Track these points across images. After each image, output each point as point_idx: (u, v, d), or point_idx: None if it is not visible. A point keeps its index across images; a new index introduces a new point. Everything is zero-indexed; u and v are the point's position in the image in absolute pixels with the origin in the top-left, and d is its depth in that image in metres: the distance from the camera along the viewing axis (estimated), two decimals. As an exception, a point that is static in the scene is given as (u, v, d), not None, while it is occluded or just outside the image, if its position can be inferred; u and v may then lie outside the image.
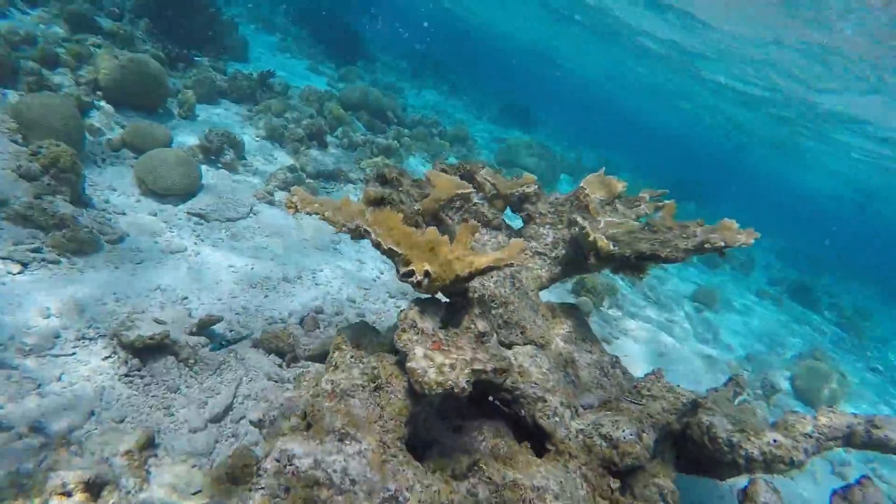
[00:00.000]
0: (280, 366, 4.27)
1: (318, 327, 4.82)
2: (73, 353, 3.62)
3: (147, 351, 3.79)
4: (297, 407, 2.57)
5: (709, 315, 10.53)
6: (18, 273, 4.10)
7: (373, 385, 2.68)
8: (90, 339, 3.77)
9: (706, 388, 5.60)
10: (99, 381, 3.48)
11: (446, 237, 3.14)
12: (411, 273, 2.69)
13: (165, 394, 3.64)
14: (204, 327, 4.13)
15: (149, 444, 2.94)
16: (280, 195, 7.10)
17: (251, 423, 2.60)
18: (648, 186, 5.14)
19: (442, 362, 2.56)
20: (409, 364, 2.53)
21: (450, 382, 2.42)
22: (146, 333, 3.73)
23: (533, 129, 23.79)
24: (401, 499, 2.25)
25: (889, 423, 3.56)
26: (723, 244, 3.86)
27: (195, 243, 5.43)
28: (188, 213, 5.91)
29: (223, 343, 4.07)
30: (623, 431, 3.12)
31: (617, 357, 4.28)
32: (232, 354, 4.15)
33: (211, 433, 3.50)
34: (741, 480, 3.79)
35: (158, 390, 3.64)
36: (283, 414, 2.56)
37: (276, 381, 4.08)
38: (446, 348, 2.71)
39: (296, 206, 3.27)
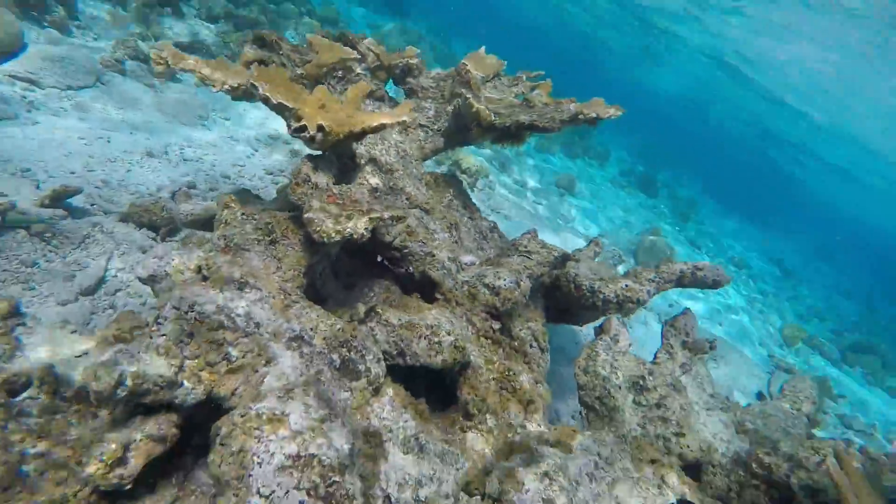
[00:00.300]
0: (154, 239, 4.03)
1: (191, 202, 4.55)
2: None
3: (-9, 224, 3.36)
4: (189, 261, 2.51)
5: (569, 198, 11.52)
6: None
7: (268, 239, 2.68)
8: (-87, 213, 3.25)
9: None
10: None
11: (336, 97, 3.07)
12: (304, 128, 2.63)
13: (19, 268, 3.31)
14: (59, 199, 3.72)
15: (13, 314, 2.71)
16: (132, 65, 6.24)
17: (140, 279, 2.49)
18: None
19: (339, 213, 2.62)
20: (306, 215, 2.55)
21: (349, 230, 2.50)
22: (-14, 204, 3.29)
23: (407, 16, 22.71)
24: (306, 337, 2.37)
25: (707, 267, 4.33)
26: (595, 116, 4.20)
27: (28, 111, 4.70)
28: (11, 76, 5.03)
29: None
30: (504, 280, 3.47)
31: (495, 222, 4.63)
32: (97, 228, 3.82)
33: (84, 305, 3.30)
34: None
35: (10, 265, 3.29)
36: (176, 268, 2.48)
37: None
38: (341, 201, 2.76)
39: (166, 62, 2.97)
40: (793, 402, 4.54)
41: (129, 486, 2.09)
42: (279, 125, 6.58)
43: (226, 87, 2.90)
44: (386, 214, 2.61)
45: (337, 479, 1.73)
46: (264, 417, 1.86)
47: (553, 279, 4.18)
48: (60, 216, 3.67)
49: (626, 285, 4.06)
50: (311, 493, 1.66)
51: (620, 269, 8.95)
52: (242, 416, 1.88)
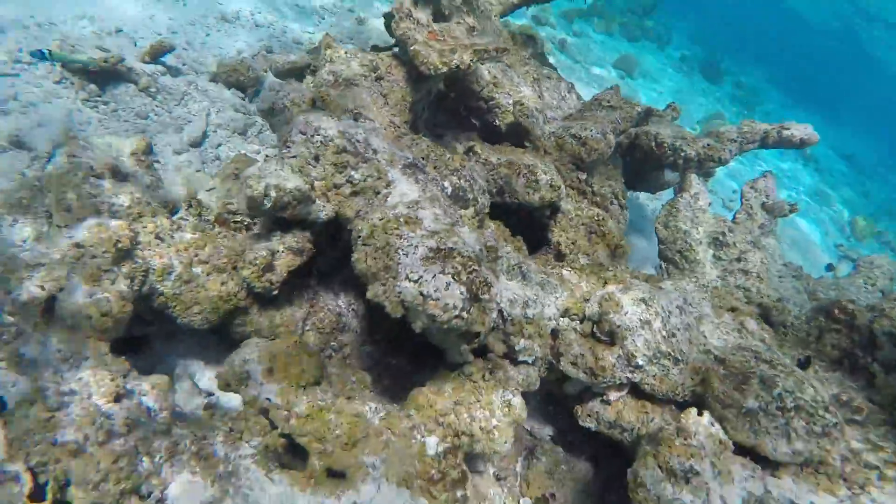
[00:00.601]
0: (243, 99, 4.16)
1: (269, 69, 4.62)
2: (18, 75, 3.31)
3: (101, 77, 3.53)
4: (304, 96, 2.62)
5: (628, 81, 11.00)
6: None
7: (374, 75, 2.75)
8: (28, 63, 3.43)
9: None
10: (62, 104, 3.28)
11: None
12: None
13: (136, 119, 3.52)
14: (156, 55, 3.84)
15: (148, 151, 2.93)
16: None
17: (260, 111, 2.63)
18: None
19: (442, 48, 2.65)
20: (412, 48, 2.59)
21: (455, 61, 2.54)
22: (97, 56, 3.44)
23: None
24: (419, 165, 2.50)
25: (795, 126, 4.19)
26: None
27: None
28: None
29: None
30: (590, 131, 3.48)
31: (572, 84, 4.54)
32: (192, 86, 3.96)
33: (194, 155, 3.52)
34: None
35: (128, 116, 3.50)
36: (293, 101, 2.60)
37: (243, 113, 4.01)
38: (442, 38, 2.78)
39: None
40: (867, 278, 4.50)
41: (275, 292, 2.37)
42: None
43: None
44: (491, 47, 2.62)
45: (476, 267, 1.92)
46: (402, 219, 2.04)
47: (633, 138, 4.15)
48: (161, 72, 3.82)
49: (708, 144, 4.01)
50: (456, 277, 1.86)
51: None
52: (381, 219, 2.06)
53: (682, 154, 3.92)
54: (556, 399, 2.99)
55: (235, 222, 2.59)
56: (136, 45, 4.01)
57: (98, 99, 3.47)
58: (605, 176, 3.91)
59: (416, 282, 1.85)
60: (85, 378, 1.69)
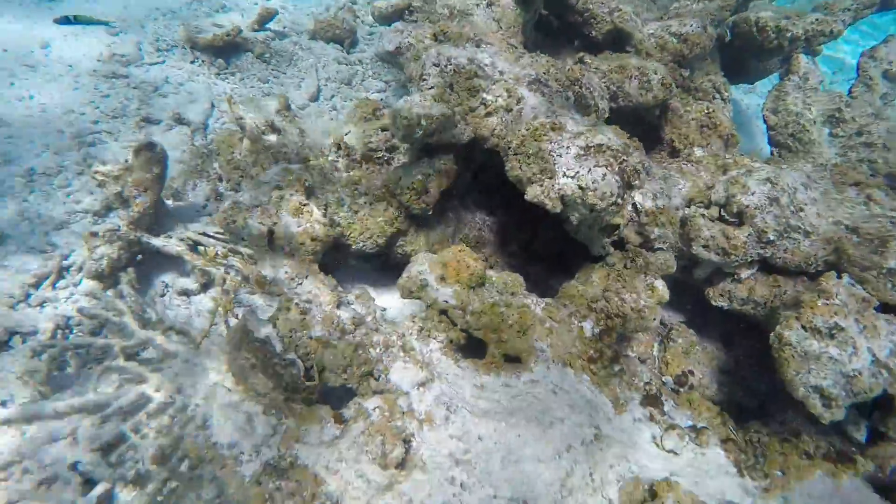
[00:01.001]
0: (342, 51, 4.43)
1: (357, 17, 4.84)
2: (163, 62, 3.73)
3: (224, 51, 3.90)
4: (426, 32, 2.83)
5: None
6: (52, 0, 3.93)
7: (484, 2, 2.91)
8: (166, 50, 3.84)
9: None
10: (201, 80, 3.68)
11: None
12: None
13: (260, 84, 3.89)
14: (263, 22, 4.16)
15: (287, 107, 3.28)
16: None
17: (387, 52, 2.89)
18: None
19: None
20: (521, -30, 2.72)
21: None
22: (220, 31, 3.79)
23: None
24: (542, 79, 2.68)
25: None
26: None
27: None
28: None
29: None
30: (690, 26, 3.47)
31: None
32: (297, 46, 4.26)
33: (313, 108, 3.85)
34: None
35: (252, 82, 3.87)
36: (417, 37, 2.83)
37: (346, 64, 4.29)
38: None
39: None
40: None
41: (430, 212, 2.68)
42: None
43: None
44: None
45: (625, 157, 2.12)
46: (548, 126, 2.26)
47: (732, 26, 4.05)
48: (270, 37, 4.14)
49: (818, 18, 3.85)
50: (609, 167, 2.08)
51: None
52: (528, 128, 2.29)
53: (789, 34, 3.80)
54: (683, 287, 3.18)
55: (378, 158, 2.91)
56: (242, 16, 4.34)
57: (226, 71, 3.85)
58: (704, 71, 3.89)
59: (573, 177, 2.09)
60: (313, 290, 2.08)
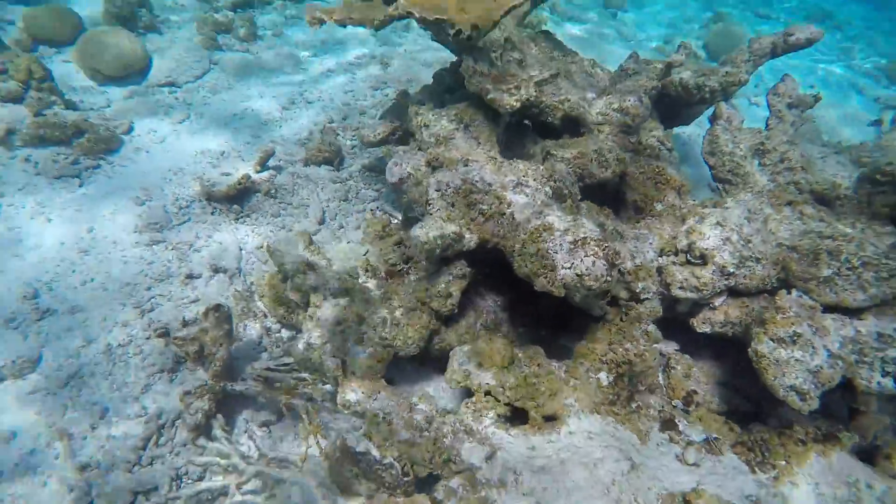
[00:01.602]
0: (333, 170, 5.04)
1: (338, 134, 5.49)
2: (189, 219, 4.27)
3: (237, 197, 4.47)
4: (421, 160, 3.43)
5: (622, 15, 11.40)
6: (80, 187, 4.46)
7: (462, 125, 3.54)
8: (186, 207, 4.39)
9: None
10: (224, 228, 4.22)
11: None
12: (459, 32, 3.36)
13: (272, 219, 4.44)
14: (263, 162, 4.75)
15: (311, 242, 3.82)
16: (221, 37, 6.96)
17: (392, 184, 3.45)
18: None
19: (507, 88, 3.42)
20: (489, 96, 3.39)
21: (524, 96, 3.33)
22: (232, 181, 4.37)
23: None
24: (523, 182, 3.28)
25: (798, 29, 4.73)
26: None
27: (186, 105, 5.67)
28: (156, 85, 5.97)
29: None
30: (629, 101, 4.17)
31: (594, 59, 5.20)
32: (295, 176, 4.86)
33: (324, 232, 4.41)
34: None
35: (267, 219, 4.42)
36: (414, 168, 3.41)
37: (339, 182, 4.90)
38: (503, 79, 3.54)
39: (320, 20, 3.72)
40: (908, 128, 5.05)
41: (455, 311, 3.21)
42: (348, 47, 7.20)
43: (376, 22, 3.62)
44: (546, 74, 3.37)
45: (607, 244, 2.71)
46: (541, 228, 2.84)
47: (660, 89, 4.79)
48: (272, 174, 4.73)
49: (727, 72, 4.61)
50: (596, 255, 2.65)
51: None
52: (529, 232, 2.86)
53: (707, 88, 4.55)
54: (670, 322, 3.72)
55: (399, 271, 3.46)
56: (242, 159, 4.94)
57: (242, 214, 4.41)
58: (647, 129, 4.58)
59: (569, 268, 2.66)
60: (389, 402, 2.58)
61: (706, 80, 4.56)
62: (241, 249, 4.07)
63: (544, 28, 8.21)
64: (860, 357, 2.95)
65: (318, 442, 2.58)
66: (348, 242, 3.92)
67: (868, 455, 3.02)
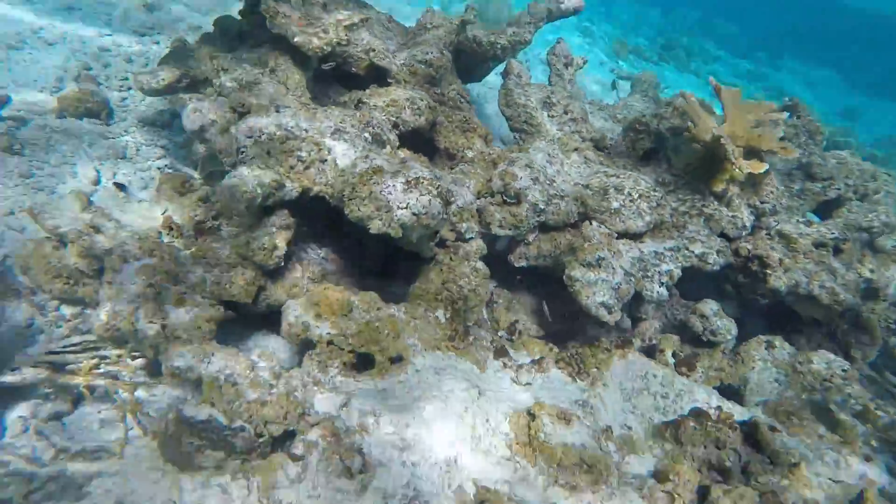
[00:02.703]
0: (101, 124, 4.23)
1: (100, 83, 4.61)
2: None
3: None
4: (223, 105, 3.02)
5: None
6: None
7: (268, 69, 3.22)
8: None
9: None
10: None
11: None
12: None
13: (24, 181, 3.56)
14: (1, 113, 3.74)
15: (89, 203, 3.12)
16: None
17: (192, 132, 2.95)
18: None
19: (315, 31, 3.19)
20: (296, 39, 3.13)
21: (334, 39, 3.13)
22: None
23: None
24: (340, 128, 3.13)
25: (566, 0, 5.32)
26: None
27: None
28: None
29: None
30: (432, 53, 4.25)
31: (390, 14, 5.16)
32: (47, 129, 3.95)
33: (103, 193, 3.68)
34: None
35: (16, 179, 3.52)
36: (217, 113, 2.98)
37: (112, 138, 4.13)
38: (307, 21, 3.29)
39: None
40: (642, 92, 6.09)
41: (281, 264, 2.98)
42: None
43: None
44: (356, 18, 3.22)
45: (440, 183, 2.73)
46: (369, 171, 2.74)
47: (457, 44, 4.98)
48: (13, 126, 3.76)
49: (514, 31, 5.00)
50: (430, 193, 2.66)
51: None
52: (358, 175, 2.74)
53: (498, 46, 4.87)
54: (490, 259, 3.99)
55: (209, 228, 3.07)
56: (-35, 109, 3.82)
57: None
58: (448, 82, 4.75)
59: (405, 208, 2.63)
60: (226, 364, 2.28)
61: (497, 38, 4.88)
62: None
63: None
64: (644, 273, 3.52)
65: (139, 421, 2.18)
66: (140, 202, 3.31)
67: (649, 351, 3.65)
